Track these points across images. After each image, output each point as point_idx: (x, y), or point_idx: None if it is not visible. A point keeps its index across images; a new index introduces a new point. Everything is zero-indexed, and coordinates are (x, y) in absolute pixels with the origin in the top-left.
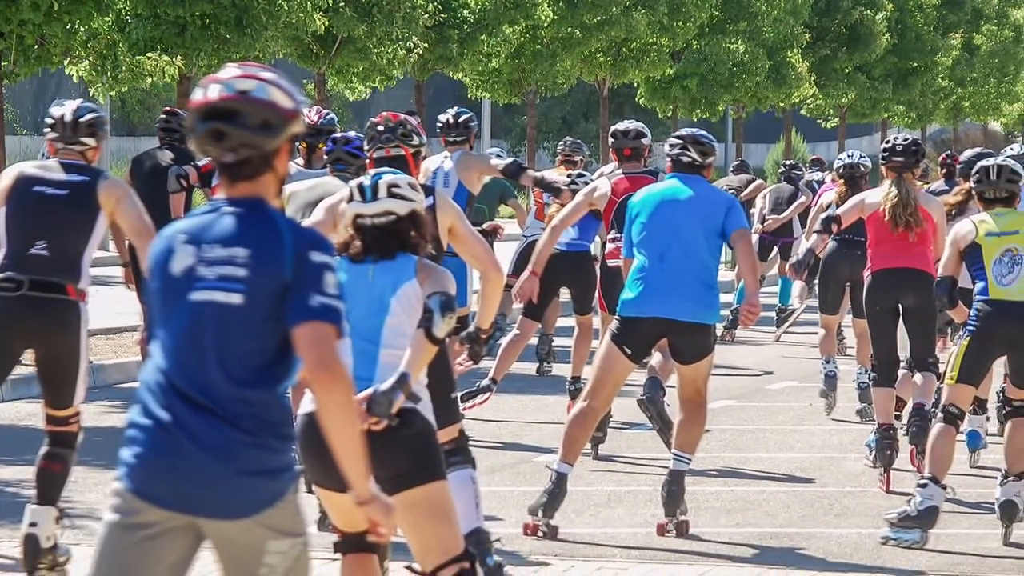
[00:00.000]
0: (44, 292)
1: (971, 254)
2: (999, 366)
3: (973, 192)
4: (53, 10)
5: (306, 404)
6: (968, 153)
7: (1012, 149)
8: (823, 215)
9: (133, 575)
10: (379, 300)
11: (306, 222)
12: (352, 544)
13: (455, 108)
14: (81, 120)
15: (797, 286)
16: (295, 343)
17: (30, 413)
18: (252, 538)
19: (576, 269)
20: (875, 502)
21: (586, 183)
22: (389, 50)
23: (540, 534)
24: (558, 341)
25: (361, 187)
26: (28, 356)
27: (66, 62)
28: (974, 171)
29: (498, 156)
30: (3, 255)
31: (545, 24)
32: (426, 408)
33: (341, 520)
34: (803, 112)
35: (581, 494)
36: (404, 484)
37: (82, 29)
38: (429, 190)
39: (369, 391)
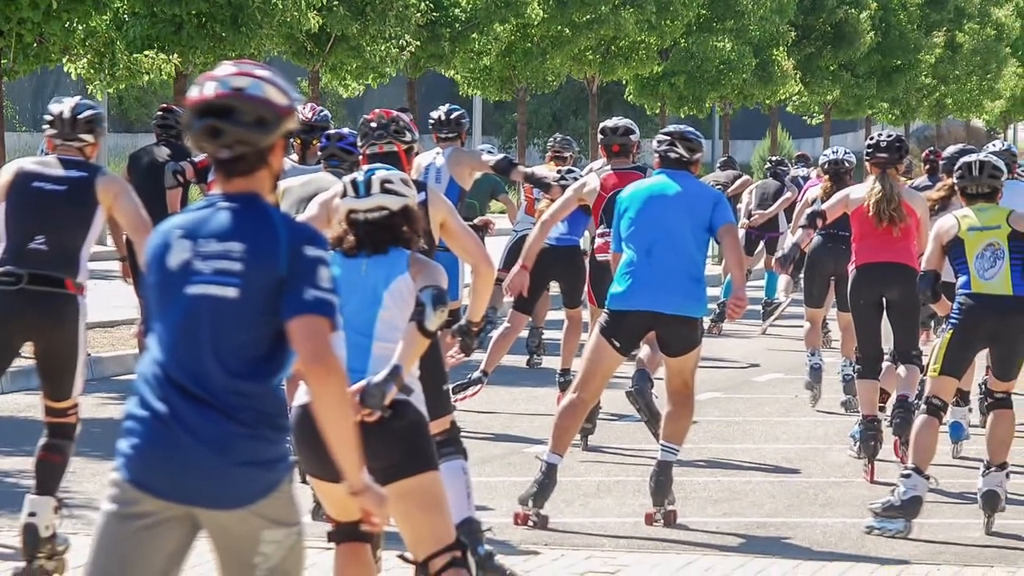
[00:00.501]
0: (43, 286)
1: (954, 248)
2: (981, 359)
3: (956, 188)
4: (52, 9)
5: (300, 396)
6: (951, 149)
7: (994, 145)
8: (808, 210)
9: (130, 564)
10: (372, 294)
11: (300, 217)
12: (346, 534)
13: (447, 105)
14: (79, 117)
15: (783, 280)
16: (290, 336)
17: (29, 405)
18: (247, 528)
19: (566, 263)
20: (859, 492)
21: (575, 179)
22: (382, 48)
23: (530, 523)
24: (548, 334)
25: (355, 183)
26: (27, 349)
27: (64, 60)
28: (957, 167)
29: (489, 152)
30: (3, 250)
31: (535, 22)
32: (418, 400)
33: (335, 510)
34: (789, 109)
35: (571, 484)
36: (397, 474)
37: (80, 27)
38: (421, 186)
39: (362, 383)
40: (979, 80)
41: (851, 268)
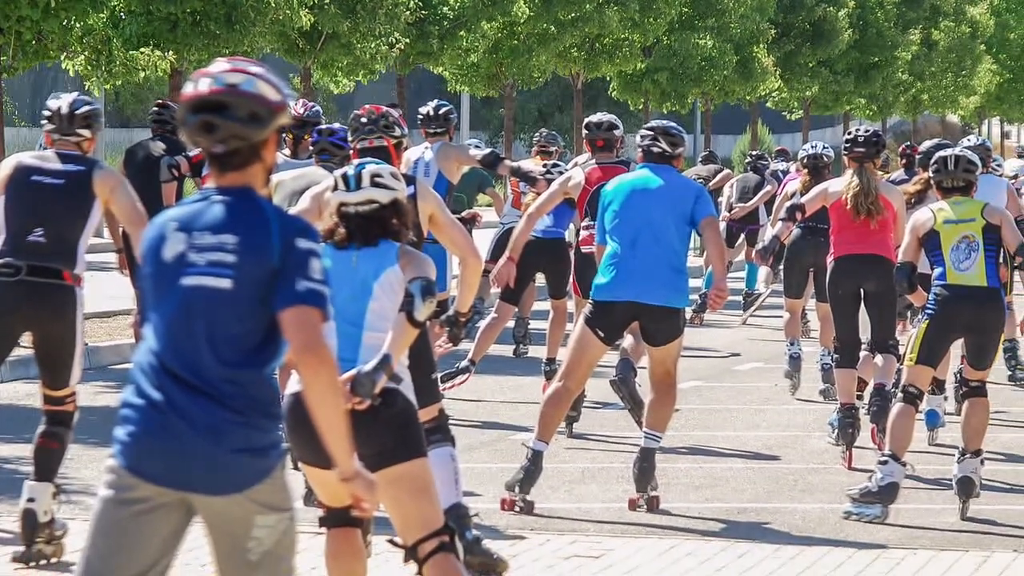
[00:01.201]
0: (41, 277)
1: (929, 241)
2: (956, 348)
3: (931, 181)
4: (50, 7)
5: (292, 384)
6: (927, 144)
7: (969, 140)
8: (788, 203)
9: (127, 548)
10: (362, 285)
11: (292, 210)
12: (337, 519)
13: (435, 101)
14: (77, 112)
15: (763, 271)
16: (282, 326)
17: (28, 393)
18: (241, 513)
19: (551, 255)
20: (838, 478)
21: (561, 173)
22: (372, 45)
23: (517, 509)
24: (534, 324)
25: (345, 176)
26: (26, 339)
27: (63, 57)
28: (932, 161)
29: (476, 147)
30: (2, 242)
31: (521, 20)
32: (407, 388)
33: (326, 495)
34: (769, 105)
35: (556, 471)
36: (386, 461)
37: (78, 25)
38: (410, 179)
39: (353, 372)
40: (954, 77)
41: (829, 260)
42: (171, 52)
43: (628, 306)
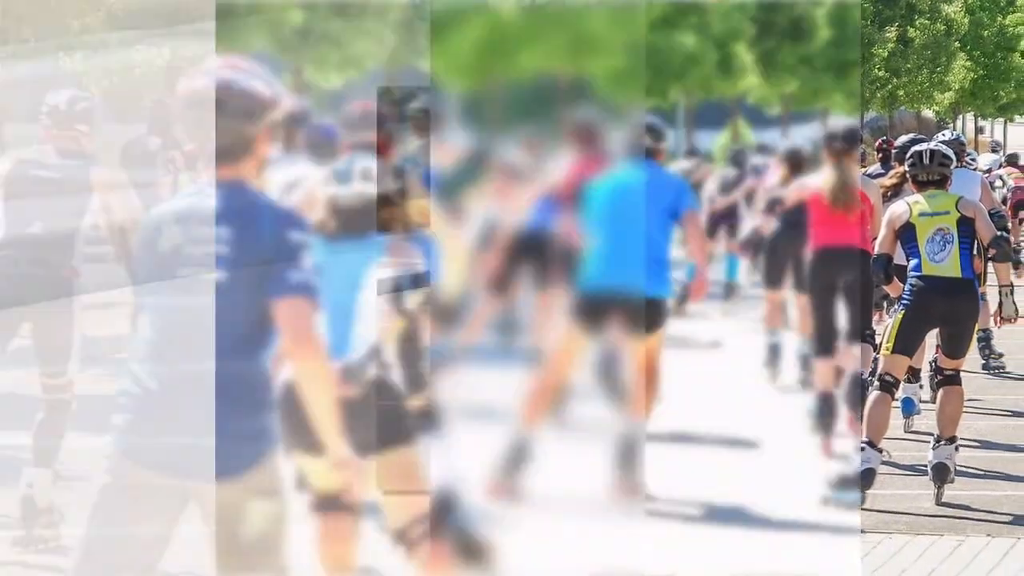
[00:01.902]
0: (41, 270)
1: (905, 233)
2: (932, 338)
3: (907, 175)
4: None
5: (285, 373)
6: (903, 139)
7: (944, 135)
8: (767, 197)
9: (123, 534)
10: (353, 277)
11: (285, 203)
12: (328, 504)
13: (424, 97)
14: (75, 108)
15: (743, 263)
16: (275, 316)
17: (27, 382)
18: (234, 499)
19: (537, 248)
20: (816, 465)
21: None
22: (362, 43)
23: (504, 494)
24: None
25: (337, 171)
26: (26, 329)
27: (61, 54)
28: (908, 155)
29: None
30: (1, 236)
31: (509, 20)
32: (397, 377)
33: (318, 481)
34: (749, 100)
35: (542, 457)
36: (377, 448)
37: (76, 23)
38: (401, 173)
39: (344, 361)
40: (929, 73)
41: (808, 252)
42: (166, 49)
43: (612, 297)
